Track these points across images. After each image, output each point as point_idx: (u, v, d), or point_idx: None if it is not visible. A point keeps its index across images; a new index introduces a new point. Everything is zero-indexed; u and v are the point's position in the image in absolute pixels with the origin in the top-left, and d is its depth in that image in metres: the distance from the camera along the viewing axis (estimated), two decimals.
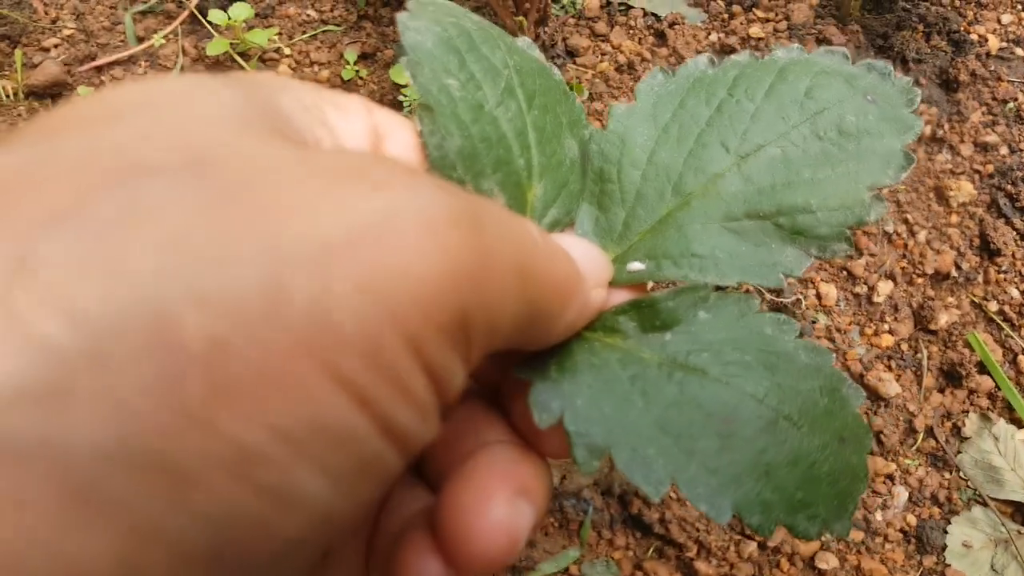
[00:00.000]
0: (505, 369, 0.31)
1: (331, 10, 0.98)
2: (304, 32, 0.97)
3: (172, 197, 0.16)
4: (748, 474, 0.26)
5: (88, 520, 0.14)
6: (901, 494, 0.75)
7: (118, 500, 0.15)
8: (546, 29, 0.95)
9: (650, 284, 0.34)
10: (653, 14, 0.97)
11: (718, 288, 0.30)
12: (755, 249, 0.31)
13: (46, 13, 0.95)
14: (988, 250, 0.83)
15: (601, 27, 0.96)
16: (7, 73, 0.91)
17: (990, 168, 0.86)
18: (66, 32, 0.94)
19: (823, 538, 0.71)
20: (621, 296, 0.32)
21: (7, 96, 0.90)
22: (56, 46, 0.93)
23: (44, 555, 0.14)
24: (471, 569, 0.26)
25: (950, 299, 0.82)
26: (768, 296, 0.81)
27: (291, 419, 0.16)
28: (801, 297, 0.81)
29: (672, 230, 0.32)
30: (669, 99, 0.33)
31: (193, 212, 0.16)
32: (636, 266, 0.32)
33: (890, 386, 0.77)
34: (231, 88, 0.22)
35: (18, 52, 0.92)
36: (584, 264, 0.29)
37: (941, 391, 0.79)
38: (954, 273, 0.82)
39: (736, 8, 0.97)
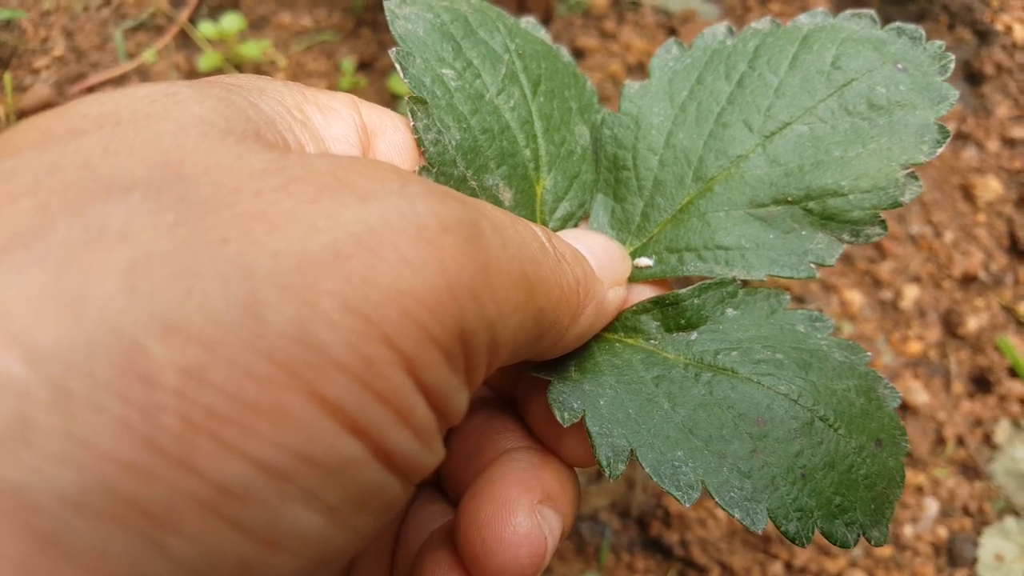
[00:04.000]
0: (520, 372, 0.31)
1: (327, 18, 1.00)
2: (300, 42, 0.99)
3: (141, 216, 0.16)
4: (783, 478, 0.26)
5: (60, 568, 0.14)
6: (931, 506, 0.77)
7: (89, 547, 0.14)
8: (551, 29, 0.96)
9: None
10: (664, 11, 0.99)
11: (744, 283, 0.30)
12: (783, 237, 0.30)
13: (36, 33, 0.98)
14: (1017, 250, 0.84)
15: (610, 26, 0.97)
16: None
17: (1018, 164, 0.87)
18: (56, 52, 0.97)
19: (852, 552, 0.73)
20: (642, 293, 0.31)
21: None
22: (47, 67, 0.96)
23: None
24: None
25: (979, 302, 0.83)
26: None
27: (276, 451, 0.15)
28: (824, 304, 0.83)
29: (694, 219, 0.31)
30: (685, 75, 0.32)
31: (162, 232, 0.16)
32: (644, 262, 0.32)
33: (918, 394, 0.79)
34: (203, 94, 0.21)
35: (7, 75, 0.94)
36: (601, 262, 0.28)
37: (971, 398, 0.80)
38: (982, 275, 0.84)
39: (751, 1, 0.98)
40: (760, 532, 0.25)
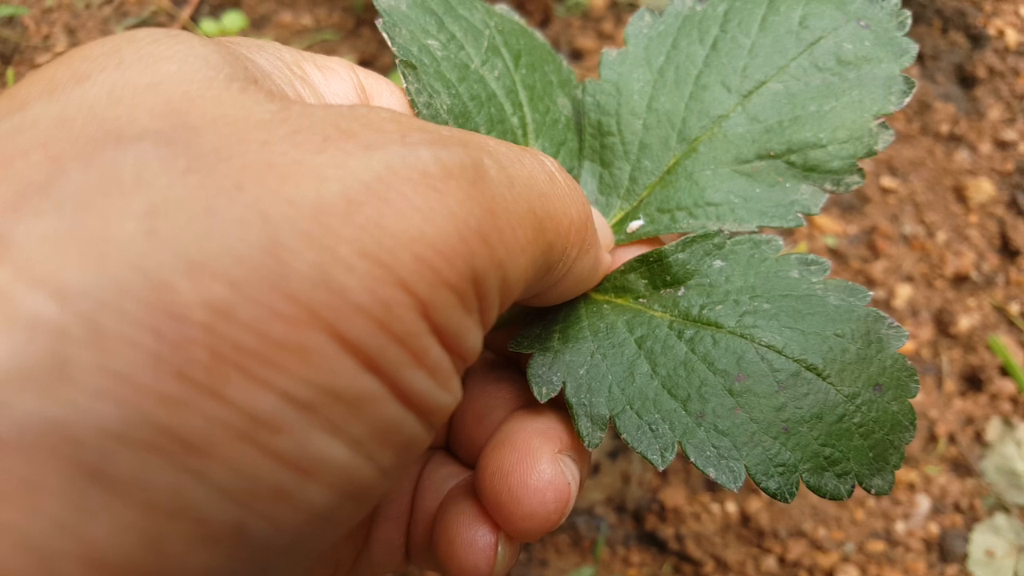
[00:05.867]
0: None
1: (328, 17, 1.03)
2: (300, 41, 1.01)
3: (153, 164, 0.16)
4: (764, 433, 0.26)
5: (104, 499, 0.14)
6: (923, 503, 0.79)
7: (132, 477, 0.15)
8: (550, 30, 0.99)
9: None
10: (660, 12, 1.01)
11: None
12: (770, 190, 0.31)
13: (38, 30, 1.00)
14: (1009, 251, 0.87)
15: (607, 27, 1.00)
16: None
17: (1009, 166, 0.90)
18: (58, 49, 0.99)
19: (844, 547, 0.76)
20: (632, 251, 0.32)
21: None
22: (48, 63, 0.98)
23: (64, 538, 0.14)
24: (522, 531, 0.26)
25: (970, 302, 0.85)
26: None
27: (302, 384, 0.16)
28: None
29: (682, 179, 0.32)
30: (660, 40, 0.34)
31: (176, 178, 0.16)
32: (636, 224, 0.32)
33: None
34: (203, 41, 0.21)
35: (10, 71, 0.96)
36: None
37: (962, 396, 0.83)
38: (974, 275, 0.86)
39: None
40: (736, 490, 0.26)
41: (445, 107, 0.29)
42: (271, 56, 0.24)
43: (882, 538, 0.78)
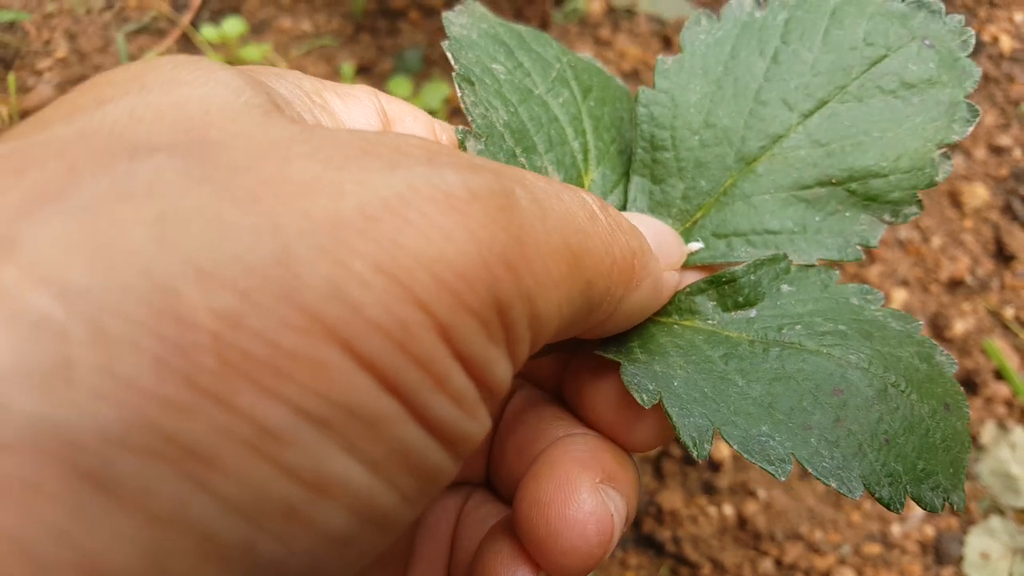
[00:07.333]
0: (565, 363, 0.31)
1: (327, 23, 1.04)
2: (300, 46, 1.03)
3: (167, 173, 0.16)
4: (869, 445, 0.26)
5: (105, 507, 0.14)
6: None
7: (134, 484, 0.14)
8: None
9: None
10: (658, 19, 1.03)
11: None
12: (829, 219, 0.30)
13: (39, 35, 1.01)
14: (1003, 255, 0.88)
15: (605, 34, 1.01)
16: (1, 98, 0.98)
17: (1004, 172, 0.92)
18: (59, 54, 1.00)
19: (841, 550, 0.77)
20: (689, 279, 0.31)
21: (2, 121, 0.96)
22: (49, 69, 1.00)
23: (62, 546, 0.14)
24: (562, 569, 0.24)
25: (965, 306, 0.87)
26: None
27: (315, 398, 0.16)
28: None
29: (739, 202, 0.31)
30: (718, 48, 0.32)
31: (189, 187, 0.16)
32: (695, 245, 0.31)
33: None
34: (224, 68, 0.21)
35: (11, 76, 0.98)
36: (656, 241, 0.27)
37: None
38: (969, 279, 0.88)
39: None
40: (857, 499, 0.25)
41: (502, 121, 0.29)
42: (291, 84, 0.24)
43: (878, 541, 0.79)
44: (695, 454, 0.25)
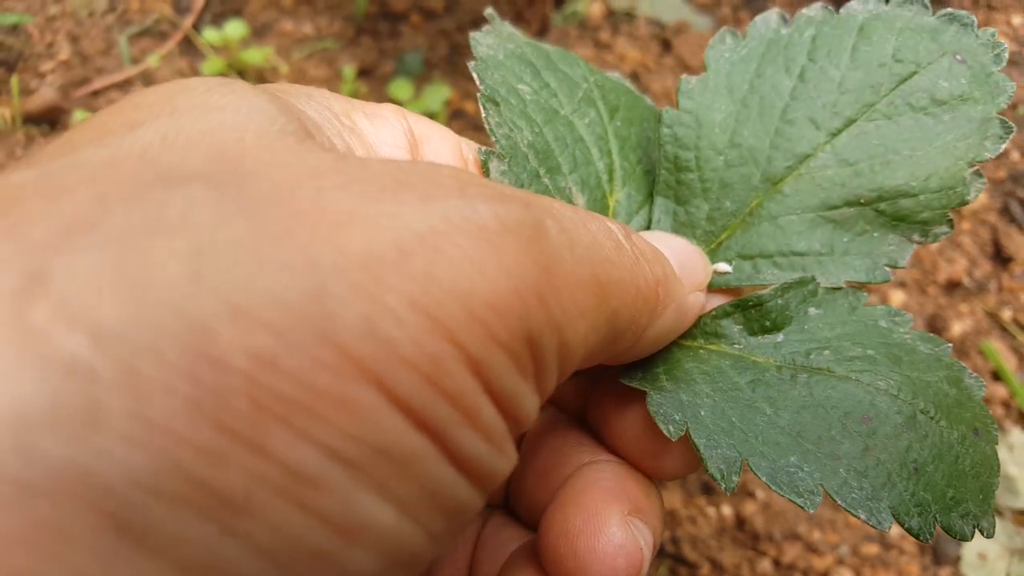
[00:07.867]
0: (589, 388, 0.31)
1: (329, 26, 1.05)
2: (301, 49, 1.03)
3: (201, 205, 0.16)
4: (898, 474, 0.25)
5: (132, 554, 0.14)
6: None
7: (164, 532, 0.14)
8: (548, 40, 1.01)
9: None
10: (658, 22, 1.04)
11: None
12: (856, 240, 0.30)
13: (42, 38, 1.02)
14: (1001, 257, 0.89)
15: (604, 37, 1.02)
16: (4, 99, 0.98)
17: (1002, 174, 0.92)
18: (62, 57, 1.01)
19: (839, 550, 0.77)
20: (714, 302, 0.31)
21: (5, 122, 0.97)
22: (52, 71, 1.00)
23: None
24: None
25: (963, 308, 0.87)
26: None
27: (347, 440, 0.16)
28: None
29: (765, 223, 0.31)
30: (743, 67, 0.32)
31: (224, 220, 0.16)
32: (723, 267, 0.31)
33: None
34: (256, 91, 0.21)
35: (14, 78, 0.98)
36: (681, 262, 0.27)
37: None
38: (966, 281, 0.88)
39: (743, 14, 1.03)
40: (887, 531, 0.25)
41: (526, 142, 0.29)
42: (320, 106, 0.24)
43: (876, 541, 0.79)
44: (723, 487, 0.25)
